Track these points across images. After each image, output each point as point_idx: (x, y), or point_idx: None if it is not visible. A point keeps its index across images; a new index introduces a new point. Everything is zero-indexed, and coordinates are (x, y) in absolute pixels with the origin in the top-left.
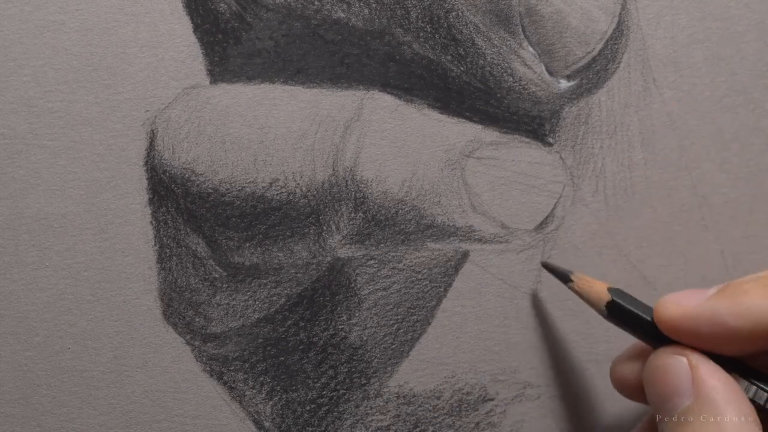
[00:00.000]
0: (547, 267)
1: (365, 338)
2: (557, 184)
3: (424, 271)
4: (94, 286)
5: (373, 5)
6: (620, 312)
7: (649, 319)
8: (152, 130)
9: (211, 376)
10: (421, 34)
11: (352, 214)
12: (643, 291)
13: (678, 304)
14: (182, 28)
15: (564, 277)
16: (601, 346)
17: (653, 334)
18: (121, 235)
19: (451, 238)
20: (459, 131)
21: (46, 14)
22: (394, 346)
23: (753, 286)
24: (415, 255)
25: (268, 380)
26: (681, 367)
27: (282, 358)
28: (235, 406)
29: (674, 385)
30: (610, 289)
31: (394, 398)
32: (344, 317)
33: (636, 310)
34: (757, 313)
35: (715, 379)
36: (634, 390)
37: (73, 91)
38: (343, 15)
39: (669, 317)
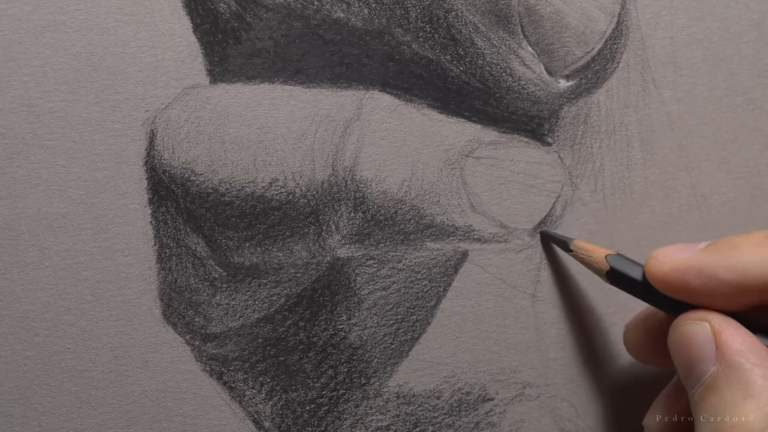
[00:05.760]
0: (547, 236)
1: (365, 338)
2: (556, 183)
3: (424, 270)
4: (94, 286)
5: (373, 5)
6: (621, 279)
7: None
8: (152, 130)
9: (211, 376)
10: (421, 33)
11: (352, 214)
12: None
13: (668, 258)
14: (182, 28)
15: (564, 246)
16: (601, 345)
17: (655, 297)
18: (121, 235)
19: (451, 238)
20: (458, 131)
21: (46, 14)
22: (393, 346)
23: (744, 241)
24: (414, 255)
25: (268, 380)
26: (703, 332)
27: (282, 358)
28: (235, 406)
29: (698, 352)
30: (608, 257)
31: (394, 398)
32: (344, 317)
33: (634, 276)
34: (748, 267)
35: (738, 342)
36: (647, 353)
37: (73, 91)
38: (342, 15)
39: (659, 272)
